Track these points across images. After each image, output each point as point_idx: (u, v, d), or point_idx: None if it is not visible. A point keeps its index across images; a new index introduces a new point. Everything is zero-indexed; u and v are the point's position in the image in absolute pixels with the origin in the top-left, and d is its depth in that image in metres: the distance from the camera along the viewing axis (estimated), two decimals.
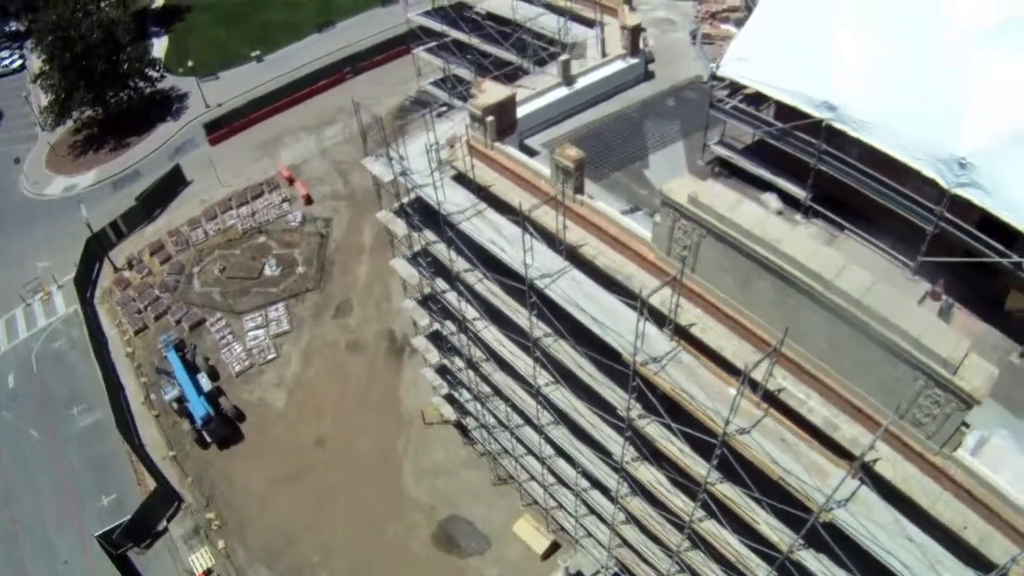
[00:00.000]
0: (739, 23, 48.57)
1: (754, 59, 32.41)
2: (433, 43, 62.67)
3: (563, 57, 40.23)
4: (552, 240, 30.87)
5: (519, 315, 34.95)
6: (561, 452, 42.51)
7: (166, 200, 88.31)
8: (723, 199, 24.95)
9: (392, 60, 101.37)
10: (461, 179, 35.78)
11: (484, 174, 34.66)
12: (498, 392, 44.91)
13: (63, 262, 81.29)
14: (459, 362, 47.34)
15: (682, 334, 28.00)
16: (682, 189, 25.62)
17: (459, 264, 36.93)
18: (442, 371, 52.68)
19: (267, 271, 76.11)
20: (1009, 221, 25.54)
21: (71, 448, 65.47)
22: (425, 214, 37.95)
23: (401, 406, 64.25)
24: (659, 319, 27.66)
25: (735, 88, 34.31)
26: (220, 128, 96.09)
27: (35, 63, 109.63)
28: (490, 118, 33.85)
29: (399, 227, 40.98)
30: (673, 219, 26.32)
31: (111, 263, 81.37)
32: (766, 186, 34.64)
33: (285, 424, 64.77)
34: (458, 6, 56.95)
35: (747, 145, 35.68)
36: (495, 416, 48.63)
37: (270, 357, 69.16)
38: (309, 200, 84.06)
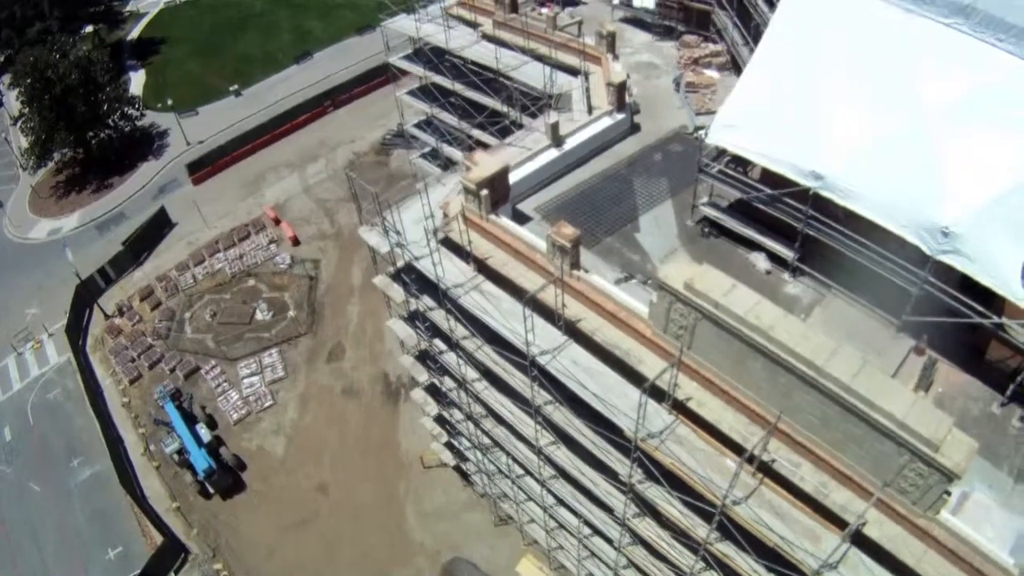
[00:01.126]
0: (721, 68, 50.07)
1: (742, 126, 33.38)
2: (415, 86, 63.39)
3: (551, 120, 40.87)
4: (551, 314, 31.73)
5: (519, 382, 35.77)
6: (563, 502, 43.40)
7: (153, 243, 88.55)
8: (718, 285, 25.85)
9: (371, 92, 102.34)
10: (457, 248, 36.48)
11: (480, 245, 35.24)
12: (498, 444, 45.74)
13: (52, 309, 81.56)
14: (458, 415, 48.18)
15: (679, 408, 28.98)
16: (678, 275, 26.53)
17: (458, 331, 37.71)
18: (440, 420, 53.37)
19: (258, 316, 76.64)
20: (991, 286, 26.93)
21: (74, 501, 65.82)
22: (422, 280, 38.49)
23: (400, 450, 64.92)
24: (657, 394, 28.65)
25: (722, 149, 35.44)
26: (203, 167, 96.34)
27: (12, 101, 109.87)
28: (484, 192, 34.69)
29: (396, 292, 41.65)
30: (669, 302, 27.27)
31: (101, 310, 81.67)
32: (754, 244, 35.82)
33: (286, 472, 65.32)
34: (439, 51, 57.06)
35: (734, 203, 36.62)
36: (496, 465, 49.46)
37: (267, 404, 69.71)
38: (296, 241, 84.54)
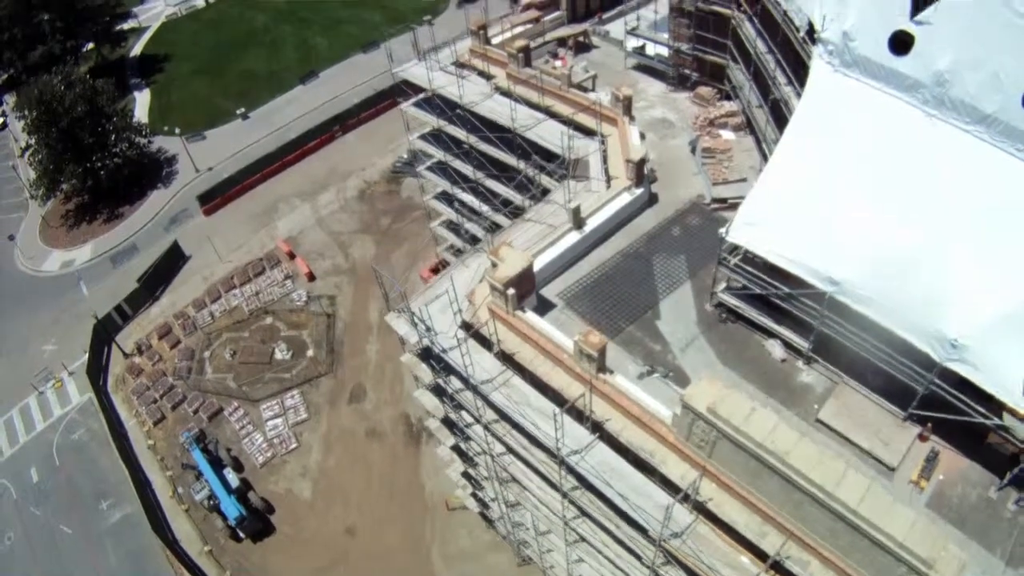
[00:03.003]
0: (737, 129, 50.44)
1: (762, 225, 34.64)
2: (427, 131, 63.32)
3: (570, 194, 41.98)
4: (578, 412, 33.15)
5: (547, 468, 37.14)
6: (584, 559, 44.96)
7: (168, 278, 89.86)
8: (738, 410, 27.31)
9: (379, 115, 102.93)
10: (485, 339, 37.63)
11: (508, 339, 36.53)
12: (523, 504, 47.24)
13: (70, 346, 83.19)
14: (483, 470, 49.50)
15: (699, 507, 30.62)
16: (701, 396, 28.06)
17: (487, 415, 39.11)
18: (466, 475, 54.60)
19: (278, 355, 78.05)
20: (995, 394, 28.58)
21: (106, 544, 67.58)
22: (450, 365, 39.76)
23: (424, 492, 66.45)
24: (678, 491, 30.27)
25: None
26: (213, 198, 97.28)
27: (18, 129, 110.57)
28: (511, 291, 35.94)
29: (424, 372, 42.84)
30: (692, 419, 28.79)
31: (120, 348, 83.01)
32: (771, 331, 37.24)
33: (314, 515, 66.86)
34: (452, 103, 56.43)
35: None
36: (520, 520, 50.99)
37: (292, 447, 71.21)
38: (311, 276, 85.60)
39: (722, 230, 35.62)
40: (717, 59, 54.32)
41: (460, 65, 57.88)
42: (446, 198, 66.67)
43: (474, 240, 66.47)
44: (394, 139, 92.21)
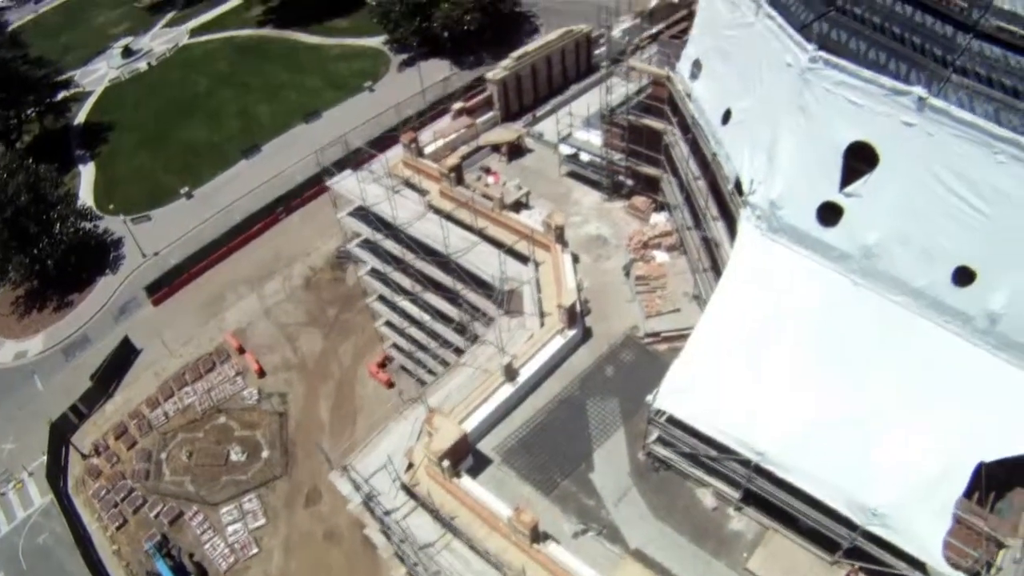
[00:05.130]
0: (671, 249, 50.95)
1: (688, 392, 36.05)
2: (362, 239, 63.51)
3: (505, 360, 42.46)
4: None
5: None
6: None
7: (120, 373, 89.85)
8: None
9: (322, 193, 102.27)
10: (425, 503, 38.77)
11: (447, 502, 37.93)
12: None
13: (28, 444, 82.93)
14: None
15: None
16: None
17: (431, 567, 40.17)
18: None
19: (233, 457, 78.32)
20: (914, 555, 30.82)
21: None
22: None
23: None
24: None
25: None
26: (161, 287, 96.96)
27: None
28: (446, 462, 37.24)
29: (371, 521, 43.71)
30: None
31: (77, 450, 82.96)
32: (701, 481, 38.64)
33: None
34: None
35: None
36: None
37: (252, 552, 71.53)
38: (262, 373, 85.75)
39: (649, 396, 36.91)
40: (651, 172, 54.83)
41: (394, 176, 58.16)
42: (386, 302, 67.58)
43: (417, 344, 67.61)
44: (336, 222, 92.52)
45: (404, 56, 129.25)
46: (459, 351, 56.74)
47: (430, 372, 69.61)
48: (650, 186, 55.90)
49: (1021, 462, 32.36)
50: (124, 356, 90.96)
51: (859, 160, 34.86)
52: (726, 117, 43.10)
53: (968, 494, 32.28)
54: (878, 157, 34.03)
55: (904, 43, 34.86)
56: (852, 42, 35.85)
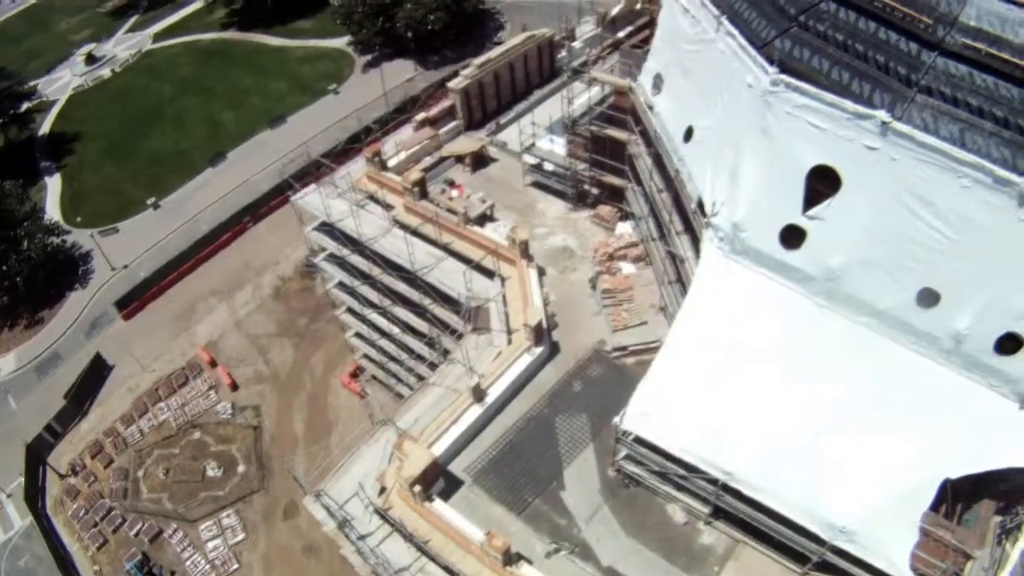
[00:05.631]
0: (636, 261, 50.80)
1: (655, 414, 36.13)
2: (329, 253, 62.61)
3: (473, 381, 42.46)
4: None
5: None
6: None
7: (94, 391, 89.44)
8: None
9: (288, 202, 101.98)
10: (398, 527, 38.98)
11: (420, 526, 38.18)
12: None
13: (4, 465, 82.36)
14: None
15: None
16: None
17: None
18: None
19: (210, 472, 78.31)
20: (882, 568, 31.26)
21: None
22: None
23: None
24: None
25: None
26: (131, 302, 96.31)
27: None
28: (417, 487, 37.51)
29: (346, 543, 43.89)
30: None
31: (54, 470, 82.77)
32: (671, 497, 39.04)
33: None
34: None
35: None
36: None
37: (233, 568, 71.73)
38: (234, 386, 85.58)
39: (616, 418, 37.07)
40: (616, 182, 54.71)
41: (358, 190, 57.89)
42: (355, 314, 67.44)
43: (387, 355, 67.55)
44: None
45: (368, 57, 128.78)
46: (431, 364, 57.09)
47: (401, 382, 69.84)
48: (615, 195, 55.76)
49: (987, 474, 32.94)
50: (97, 373, 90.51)
51: (822, 183, 34.64)
52: (688, 134, 42.91)
53: (935, 507, 32.58)
54: (841, 181, 33.99)
55: (868, 61, 34.71)
56: (815, 60, 35.66)
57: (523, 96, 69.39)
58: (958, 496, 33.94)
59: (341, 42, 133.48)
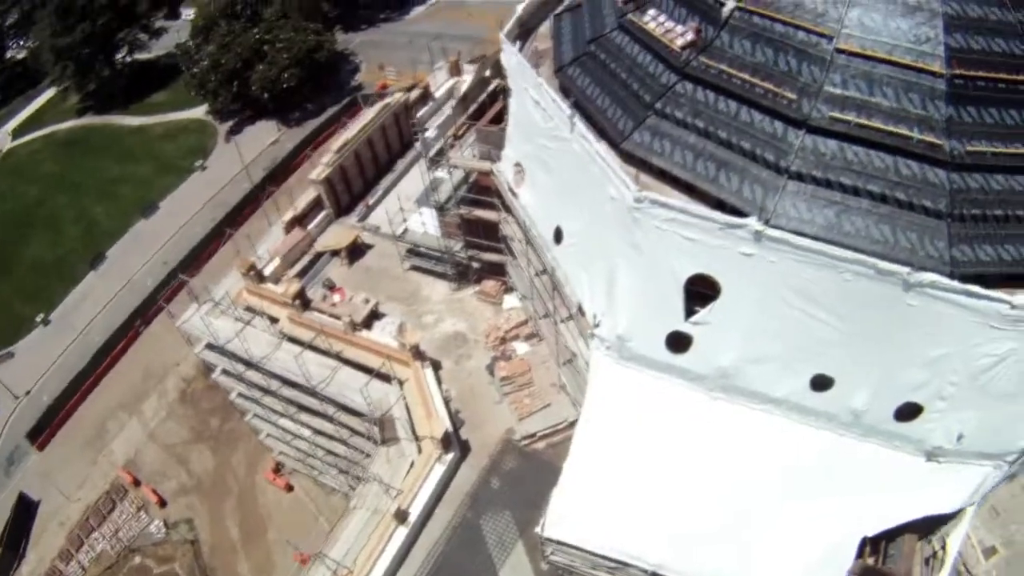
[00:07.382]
0: (529, 338, 51.37)
1: (574, 518, 36.17)
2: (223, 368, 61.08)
3: (394, 508, 42.87)
4: None
5: None
6: None
7: (26, 532, 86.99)
8: None
9: (177, 293, 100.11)
10: None
11: None
12: None
13: None
14: None
15: None
16: None
17: None
18: None
19: None
20: None
21: None
22: None
23: None
24: None
25: None
26: (42, 431, 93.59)
27: None
28: None
29: None
30: None
31: None
32: None
33: None
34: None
35: None
36: None
37: None
38: (162, 503, 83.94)
39: (537, 528, 36.93)
40: (495, 259, 54.74)
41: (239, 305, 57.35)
42: (263, 419, 66.98)
43: (303, 452, 67.57)
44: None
45: (230, 123, 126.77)
46: (348, 461, 57.37)
47: (322, 472, 70.27)
48: (497, 268, 55.98)
49: None
50: (24, 512, 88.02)
51: (703, 286, 34.18)
52: (558, 236, 42.28)
53: (859, 554, 33.54)
54: (720, 287, 33.76)
55: (732, 148, 33.67)
56: (676, 153, 34.80)
57: (387, 167, 69.47)
58: (881, 533, 34.62)
59: (200, 111, 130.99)
